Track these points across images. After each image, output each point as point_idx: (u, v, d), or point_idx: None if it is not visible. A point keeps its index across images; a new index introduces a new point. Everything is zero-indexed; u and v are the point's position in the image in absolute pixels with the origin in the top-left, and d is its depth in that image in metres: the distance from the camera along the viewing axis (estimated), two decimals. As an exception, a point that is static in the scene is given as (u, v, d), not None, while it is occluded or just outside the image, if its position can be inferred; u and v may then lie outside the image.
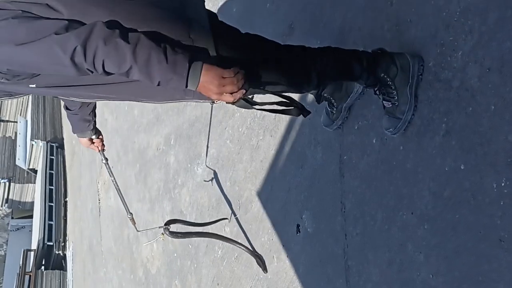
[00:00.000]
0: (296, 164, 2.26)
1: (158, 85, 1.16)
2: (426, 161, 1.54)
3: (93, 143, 1.94)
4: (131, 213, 2.44)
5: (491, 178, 1.32)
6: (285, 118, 2.36)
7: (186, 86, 1.16)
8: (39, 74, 1.20)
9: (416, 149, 1.58)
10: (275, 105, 1.52)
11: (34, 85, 1.23)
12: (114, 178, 2.31)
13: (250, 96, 1.40)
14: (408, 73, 1.58)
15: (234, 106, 2.75)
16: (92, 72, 1.14)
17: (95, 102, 1.78)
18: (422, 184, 1.54)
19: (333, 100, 1.87)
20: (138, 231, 2.58)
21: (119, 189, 2.38)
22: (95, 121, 1.88)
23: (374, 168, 1.77)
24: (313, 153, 2.15)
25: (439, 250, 1.47)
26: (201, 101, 1.39)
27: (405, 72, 1.58)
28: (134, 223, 2.48)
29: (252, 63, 1.37)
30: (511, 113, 1.27)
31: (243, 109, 2.79)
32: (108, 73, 1.15)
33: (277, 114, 2.43)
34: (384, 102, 1.65)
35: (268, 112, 2.49)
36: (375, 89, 1.66)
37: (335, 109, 1.90)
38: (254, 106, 1.39)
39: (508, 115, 1.28)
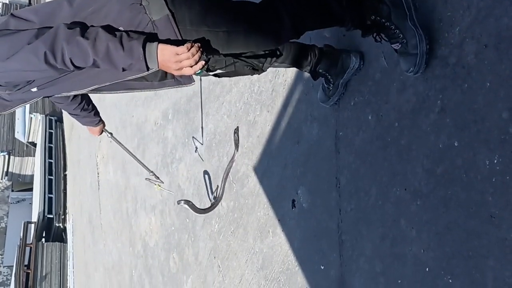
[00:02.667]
0: (293, 139, 2.27)
1: (124, 70, 1.26)
2: (420, 138, 1.54)
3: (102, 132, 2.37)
4: (152, 171, 3.02)
5: (484, 155, 1.32)
6: (282, 93, 2.35)
7: (148, 68, 1.24)
8: (34, 80, 1.31)
9: (411, 126, 1.58)
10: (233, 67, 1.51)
11: (35, 89, 1.35)
12: (124, 146, 2.92)
13: (213, 65, 1.43)
14: (402, 6, 1.48)
15: (232, 81, 2.73)
16: (68, 69, 1.25)
17: (89, 100, 2.06)
18: (416, 161, 1.55)
19: (329, 76, 1.85)
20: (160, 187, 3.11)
21: (132, 153, 2.94)
22: (97, 112, 2.20)
23: (369, 144, 1.77)
24: (309, 129, 2.15)
25: (430, 226, 1.49)
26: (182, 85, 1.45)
27: (398, 6, 1.48)
28: (157, 178, 3.04)
29: (216, 25, 1.34)
30: (506, 90, 1.27)
31: (241, 84, 2.79)
32: (80, 68, 1.26)
33: (274, 90, 2.42)
34: (392, 45, 1.54)
35: (264, 87, 2.49)
36: (374, 35, 1.57)
37: (331, 85, 1.89)
38: (212, 73, 1.43)
39: (503, 92, 1.28)
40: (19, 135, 9.84)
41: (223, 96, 2.99)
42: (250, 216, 2.61)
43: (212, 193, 3.04)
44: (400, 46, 1.52)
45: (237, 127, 2.81)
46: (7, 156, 9.86)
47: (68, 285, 7.73)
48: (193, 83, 1.48)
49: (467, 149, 1.37)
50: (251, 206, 2.62)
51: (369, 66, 1.78)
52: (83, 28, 1.23)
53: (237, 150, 2.75)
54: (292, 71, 2.29)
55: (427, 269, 1.50)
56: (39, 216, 8.42)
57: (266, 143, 2.50)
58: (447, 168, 1.43)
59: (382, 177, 1.70)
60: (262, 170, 2.53)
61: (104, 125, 2.35)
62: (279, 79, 2.40)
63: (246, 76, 2.72)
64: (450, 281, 1.42)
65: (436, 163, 1.47)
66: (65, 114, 9.75)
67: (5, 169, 9.97)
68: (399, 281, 1.61)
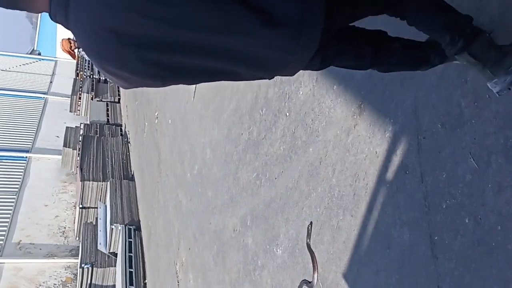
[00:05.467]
0: (382, 245, 2.20)
1: None
2: (530, 242, 1.45)
3: None
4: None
5: None
6: (365, 197, 2.33)
7: None
8: None
9: (517, 229, 1.49)
10: None
11: None
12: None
13: None
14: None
15: (310, 186, 2.74)
16: None
17: None
18: (530, 268, 1.44)
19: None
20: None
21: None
22: None
23: (471, 249, 1.68)
24: (399, 234, 2.08)
25: None
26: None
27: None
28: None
29: None
30: None
31: (319, 189, 2.81)
32: None
33: (356, 194, 2.41)
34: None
35: (345, 192, 2.48)
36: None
37: None
38: None
39: None
40: (101, 247, 10.24)
41: (302, 201, 3.01)
42: (345, 328, 2.48)
43: None
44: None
45: (311, 222, 2.77)
46: (90, 268, 10.20)
47: None
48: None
49: None
50: (345, 316, 2.49)
51: (457, 168, 1.74)
52: None
53: (317, 269, 2.70)
54: (373, 175, 2.28)
55: None
56: (122, 328, 8.43)
57: (353, 248, 2.44)
58: None
59: (492, 286, 1.58)
60: (353, 277, 2.44)
61: None
62: (359, 182, 2.39)
63: (324, 181, 2.75)
64: None
65: (554, 270, 1.36)
66: (143, 224, 10.13)
67: (89, 281, 10.26)
68: None
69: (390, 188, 2.16)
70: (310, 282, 2.79)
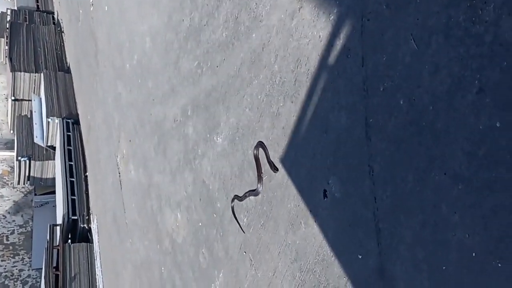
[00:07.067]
0: (320, 129, 2.24)
1: None
2: (458, 120, 1.50)
3: None
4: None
5: (529, 135, 1.28)
6: (306, 83, 2.32)
7: None
8: None
9: (447, 108, 1.54)
10: None
11: None
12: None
13: None
14: None
15: (251, 74, 2.70)
16: None
17: None
18: (455, 144, 1.51)
19: None
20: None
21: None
22: None
23: (403, 129, 1.74)
24: (337, 118, 2.12)
25: (475, 210, 1.45)
26: None
27: None
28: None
29: None
30: (550, 66, 1.22)
31: (261, 76, 2.76)
32: None
33: (297, 80, 2.39)
34: None
35: (287, 78, 2.45)
36: None
37: None
38: None
39: (547, 68, 1.23)
40: (38, 140, 9.94)
41: (244, 89, 2.97)
42: (280, 209, 2.60)
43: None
44: None
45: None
46: (28, 161, 9.98)
47: (97, 284, 7.84)
48: None
49: (511, 129, 1.33)
50: (280, 198, 2.60)
51: (398, 50, 1.73)
52: None
53: (261, 183, 2.75)
54: (315, 60, 2.25)
55: (473, 254, 1.46)
56: (63, 218, 8.53)
57: (292, 134, 2.47)
58: (490, 149, 1.39)
59: (418, 163, 1.67)
60: (290, 161, 2.50)
61: None
62: (301, 68, 2.36)
63: (266, 68, 2.69)
64: (499, 265, 1.38)
65: (477, 145, 1.43)
66: (81, 117, 9.82)
67: (27, 174, 10.10)
68: (444, 268, 1.58)
69: (331, 73, 2.15)
70: (254, 190, 2.84)
